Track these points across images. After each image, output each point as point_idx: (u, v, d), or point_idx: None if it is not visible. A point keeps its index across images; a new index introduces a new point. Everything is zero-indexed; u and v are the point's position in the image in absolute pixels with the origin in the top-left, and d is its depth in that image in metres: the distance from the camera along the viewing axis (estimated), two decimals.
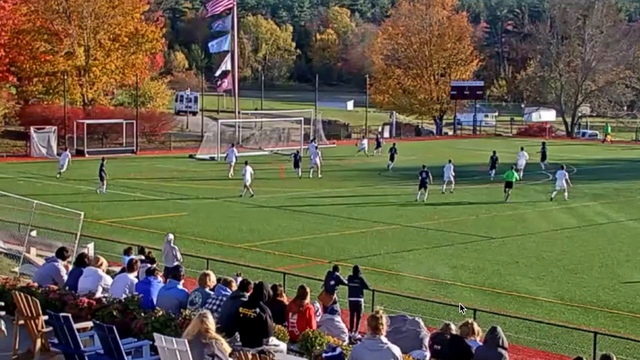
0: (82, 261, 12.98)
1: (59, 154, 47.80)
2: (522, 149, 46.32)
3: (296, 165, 44.24)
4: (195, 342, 8.78)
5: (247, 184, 36.08)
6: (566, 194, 36.68)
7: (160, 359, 9.33)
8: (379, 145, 58.20)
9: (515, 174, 38.40)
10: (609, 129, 76.99)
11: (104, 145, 57.57)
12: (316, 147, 47.08)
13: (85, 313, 11.41)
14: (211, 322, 8.85)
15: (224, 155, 46.54)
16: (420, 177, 35.83)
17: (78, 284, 12.40)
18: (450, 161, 38.95)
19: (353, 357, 8.62)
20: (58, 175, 41.30)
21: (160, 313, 11.03)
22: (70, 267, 13.49)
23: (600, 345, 14.83)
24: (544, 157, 48.06)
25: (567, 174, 37.01)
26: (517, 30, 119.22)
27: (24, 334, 10.98)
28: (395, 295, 19.24)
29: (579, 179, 41.61)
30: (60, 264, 13.20)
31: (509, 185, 36.92)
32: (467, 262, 24.04)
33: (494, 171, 43.69)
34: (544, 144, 50.27)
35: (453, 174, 38.14)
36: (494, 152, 45.67)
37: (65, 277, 12.89)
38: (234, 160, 43.41)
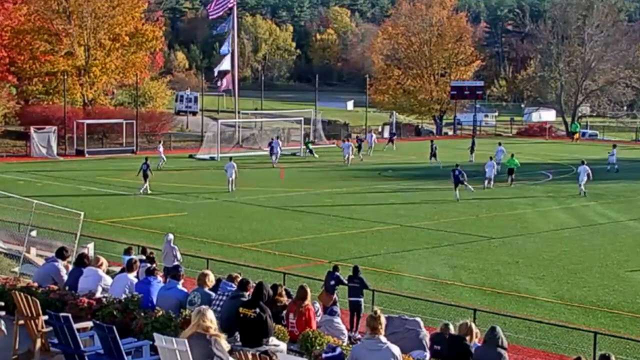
0: (82, 261, 12.98)
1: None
2: (500, 144, 49.74)
3: (272, 154, 48.56)
4: (195, 339, 8.77)
5: (232, 178, 37.51)
6: (583, 187, 37.78)
7: (160, 359, 9.33)
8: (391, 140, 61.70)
9: (517, 161, 41.75)
10: (578, 127, 77.36)
11: (104, 145, 57.58)
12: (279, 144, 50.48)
13: (85, 313, 11.42)
14: (209, 319, 8.82)
15: (268, 147, 50.55)
16: (453, 176, 36.42)
17: (78, 284, 12.41)
18: (491, 158, 41.25)
19: (352, 357, 8.62)
20: (158, 167, 43.43)
21: (160, 313, 11.04)
22: (70, 267, 13.49)
23: (600, 345, 14.83)
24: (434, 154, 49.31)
25: (588, 168, 38.18)
26: (517, 30, 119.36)
27: (24, 334, 10.98)
28: (395, 295, 19.25)
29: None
30: (60, 264, 13.21)
31: (510, 171, 40.82)
32: (467, 262, 24.04)
33: (434, 159, 48.37)
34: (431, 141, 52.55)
35: (495, 172, 39.89)
36: (432, 142, 51.01)
37: (65, 277, 12.89)
38: (279, 151, 48.84)
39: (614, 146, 50.79)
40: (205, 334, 8.66)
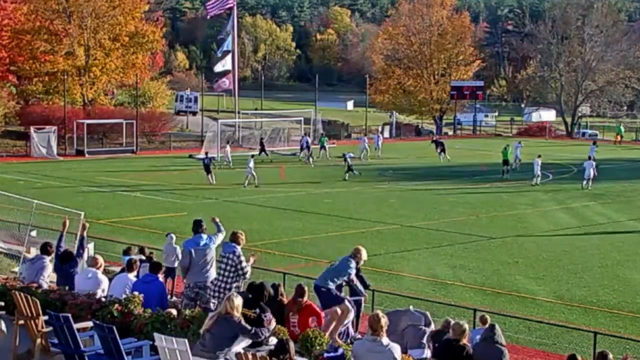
0: (66, 257, 12.95)
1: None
2: (519, 142, 50.59)
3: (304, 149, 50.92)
4: (222, 321, 9.13)
5: (253, 173, 38.77)
6: (590, 182, 39.40)
7: (160, 359, 9.34)
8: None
9: (509, 152, 44.71)
10: (622, 130, 76.11)
11: (104, 145, 57.57)
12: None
13: (85, 313, 11.40)
14: (236, 305, 9.20)
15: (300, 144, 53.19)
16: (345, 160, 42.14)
17: (76, 284, 12.38)
18: (539, 156, 42.43)
19: (353, 355, 8.63)
20: (224, 165, 45.64)
21: (161, 313, 11.03)
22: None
23: (600, 345, 14.82)
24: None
25: (594, 163, 40.29)
26: (517, 30, 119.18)
27: (24, 334, 10.97)
28: (395, 295, 19.23)
29: (579, 179, 41.66)
30: (47, 261, 13.19)
31: (505, 163, 43.99)
32: (467, 262, 24.04)
33: (303, 152, 51.56)
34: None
35: (539, 170, 41.27)
36: (306, 134, 54.36)
37: (49, 274, 12.92)
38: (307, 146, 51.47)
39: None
40: (231, 316, 9.13)
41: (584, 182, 39.70)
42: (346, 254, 24.79)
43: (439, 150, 52.87)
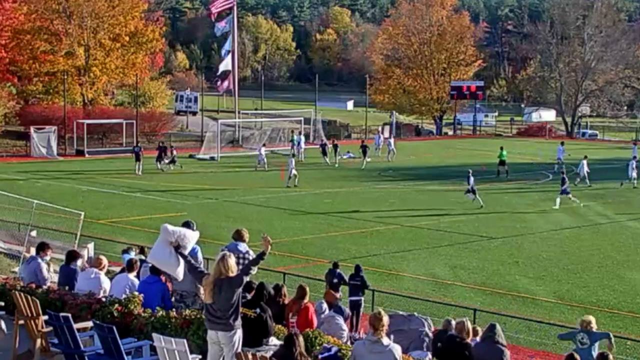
0: (70, 258, 12.96)
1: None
2: (562, 143, 50.30)
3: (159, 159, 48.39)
4: (221, 282, 9.10)
5: (292, 174, 39.48)
6: (635, 181, 40.91)
7: (159, 359, 9.34)
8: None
9: (505, 153, 44.27)
10: None
11: (104, 145, 57.57)
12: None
13: (85, 313, 11.41)
14: (231, 265, 9.22)
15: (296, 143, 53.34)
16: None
17: (77, 284, 12.38)
18: (585, 157, 42.23)
19: (354, 355, 8.63)
20: (256, 168, 45.84)
21: (160, 313, 11.03)
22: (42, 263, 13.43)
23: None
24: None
25: (635, 163, 41.77)
26: (517, 30, 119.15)
27: (24, 334, 10.98)
28: (395, 295, 19.23)
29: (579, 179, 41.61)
30: (42, 261, 13.21)
31: (502, 163, 43.89)
32: (467, 262, 24.04)
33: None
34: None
35: (587, 170, 41.01)
36: (300, 133, 54.65)
37: (46, 274, 12.94)
38: (303, 146, 52.72)
39: (562, 143, 51.68)
40: (229, 277, 9.12)
41: (629, 179, 40.96)
42: (346, 254, 24.93)
43: (363, 154, 49.53)
